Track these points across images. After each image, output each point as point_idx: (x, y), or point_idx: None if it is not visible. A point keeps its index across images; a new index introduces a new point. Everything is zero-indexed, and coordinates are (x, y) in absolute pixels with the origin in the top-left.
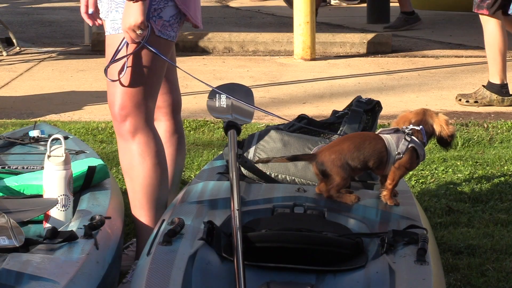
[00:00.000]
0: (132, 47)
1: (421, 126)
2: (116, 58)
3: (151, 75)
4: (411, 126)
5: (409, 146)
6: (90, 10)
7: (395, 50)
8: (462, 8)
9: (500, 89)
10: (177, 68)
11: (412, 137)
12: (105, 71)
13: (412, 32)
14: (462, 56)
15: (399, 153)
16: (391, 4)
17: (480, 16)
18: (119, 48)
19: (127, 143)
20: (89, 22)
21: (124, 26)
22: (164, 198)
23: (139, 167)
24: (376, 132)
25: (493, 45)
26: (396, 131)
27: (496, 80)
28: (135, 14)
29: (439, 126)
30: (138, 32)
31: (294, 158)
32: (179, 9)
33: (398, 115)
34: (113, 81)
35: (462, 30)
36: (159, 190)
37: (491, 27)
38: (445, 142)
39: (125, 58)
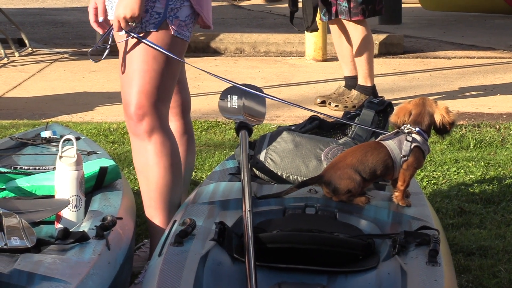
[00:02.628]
0: (119, 37)
1: (417, 129)
2: (100, 44)
3: (168, 75)
4: (409, 126)
5: (412, 146)
6: (100, 19)
7: (407, 51)
8: (474, 9)
9: (372, 91)
10: (185, 68)
11: (413, 135)
12: (90, 54)
13: (424, 33)
14: (474, 57)
15: (404, 156)
16: (403, 5)
17: (347, 23)
18: (106, 32)
19: (143, 143)
20: (99, 30)
21: (118, 13)
22: (178, 198)
23: (155, 167)
24: (377, 140)
25: (365, 48)
26: (396, 133)
27: (368, 83)
28: (133, 5)
29: (440, 115)
30: (131, 23)
31: (302, 185)
32: (194, 9)
33: (396, 107)
34: (96, 61)
35: (474, 31)
36: (174, 191)
37: (361, 32)
38: (445, 130)
39: (108, 44)
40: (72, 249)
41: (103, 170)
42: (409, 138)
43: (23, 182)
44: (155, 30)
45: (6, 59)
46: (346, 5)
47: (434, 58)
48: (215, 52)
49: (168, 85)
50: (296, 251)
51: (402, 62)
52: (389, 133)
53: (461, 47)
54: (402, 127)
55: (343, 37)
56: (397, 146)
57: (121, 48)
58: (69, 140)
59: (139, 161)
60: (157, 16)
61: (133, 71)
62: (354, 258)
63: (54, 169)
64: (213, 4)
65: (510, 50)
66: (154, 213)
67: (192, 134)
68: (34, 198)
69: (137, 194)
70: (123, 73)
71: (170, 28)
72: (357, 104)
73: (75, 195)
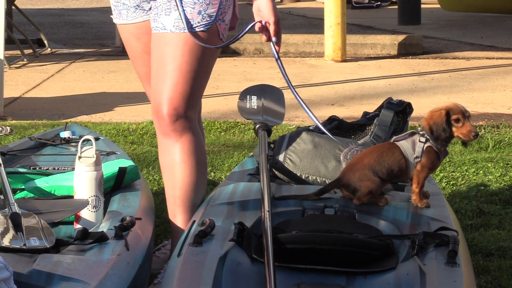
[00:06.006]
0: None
1: (423, 132)
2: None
3: (206, 76)
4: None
5: (425, 147)
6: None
7: (426, 52)
8: (493, 10)
9: None
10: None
11: (427, 136)
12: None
13: (443, 33)
14: (493, 58)
15: (417, 157)
16: (422, 6)
17: None
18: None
19: (172, 142)
20: None
21: (275, 19)
22: (200, 199)
23: (182, 165)
24: (391, 140)
25: None
26: (411, 134)
27: None
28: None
29: (424, 120)
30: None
31: (321, 192)
32: (234, 12)
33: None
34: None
35: (493, 31)
36: (198, 190)
37: None
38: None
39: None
40: (91, 249)
41: (122, 170)
42: (422, 139)
43: (42, 182)
44: (204, 31)
45: (25, 59)
46: None
47: (453, 58)
48: (234, 53)
49: (204, 85)
50: (315, 252)
51: (421, 63)
52: (403, 134)
53: (480, 47)
54: (419, 128)
55: None
56: (411, 147)
57: (157, 47)
58: (88, 140)
59: (166, 159)
60: (208, 19)
61: (171, 70)
62: (373, 258)
63: (73, 169)
64: None
65: None
66: (178, 212)
67: (203, 133)
68: (53, 199)
69: (156, 195)
70: (158, 71)
71: (219, 31)
72: None
73: (94, 196)
